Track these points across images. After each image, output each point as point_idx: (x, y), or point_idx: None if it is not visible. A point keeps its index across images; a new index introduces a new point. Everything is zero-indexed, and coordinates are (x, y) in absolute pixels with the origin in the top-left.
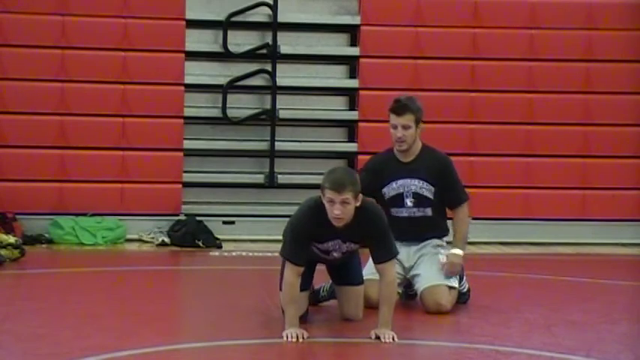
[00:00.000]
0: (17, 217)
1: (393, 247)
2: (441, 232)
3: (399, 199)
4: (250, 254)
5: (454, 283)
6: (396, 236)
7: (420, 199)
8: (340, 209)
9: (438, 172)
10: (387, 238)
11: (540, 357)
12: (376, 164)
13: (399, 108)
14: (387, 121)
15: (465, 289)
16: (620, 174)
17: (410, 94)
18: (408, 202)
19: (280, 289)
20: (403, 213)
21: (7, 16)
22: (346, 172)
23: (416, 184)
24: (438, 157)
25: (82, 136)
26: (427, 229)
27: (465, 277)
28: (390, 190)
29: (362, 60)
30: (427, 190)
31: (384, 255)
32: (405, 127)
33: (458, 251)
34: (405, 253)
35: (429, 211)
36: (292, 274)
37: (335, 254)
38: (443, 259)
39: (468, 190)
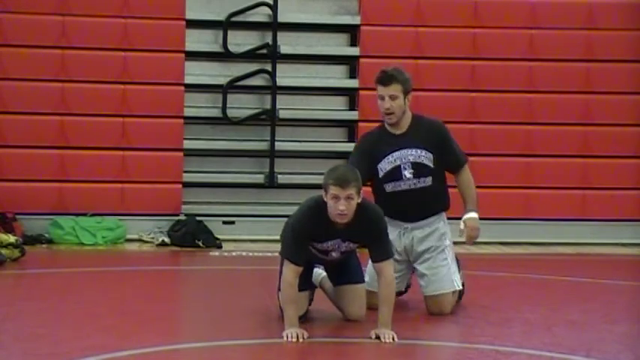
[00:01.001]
0: (17, 217)
1: (391, 246)
2: (443, 203)
3: (396, 172)
4: (250, 254)
5: (458, 284)
6: (398, 216)
7: (419, 169)
8: (345, 205)
9: (435, 138)
10: (385, 238)
11: (540, 357)
12: (367, 143)
13: (386, 78)
14: None
15: (460, 287)
16: (620, 174)
17: (399, 67)
18: (407, 173)
19: (279, 290)
20: (402, 186)
21: (7, 16)
22: (349, 169)
23: (413, 154)
24: (432, 122)
25: (82, 136)
26: (429, 200)
27: (461, 272)
28: (386, 164)
29: (362, 60)
30: (426, 157)
31: (382, 254)
32: (393, 98)
33: (473, 214)
34: (409, 238)
35: (429, 181)
36: (291, 274)
37: (334, 254)
38: (461, 225)
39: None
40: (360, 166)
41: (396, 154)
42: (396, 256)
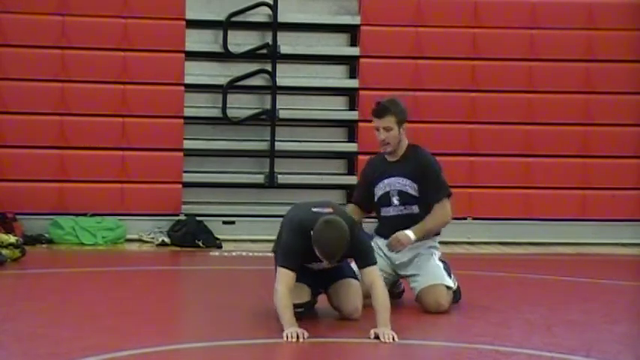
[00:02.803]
0: (17, 217)
1: (374, 257)
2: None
3: (386, 198)
4: (250, 254)
5: (450, 282)
6: (388, 235)
7: (405, 197)
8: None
9: (420, 171)
10: (369, 253)
11: (540, 357)
12: (368, 167)
13: (380, 111)
14: None
15: (454, 288)
16: (620, 174)
17: (399, 95)
18: (395, 200)
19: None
20: (391, 212)
21: (7, 16)
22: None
23: (400, 183)
24: (421, 156)
25: (82, 136)
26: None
27: (452, 276)
28: (378, 189)
29: (362, 60)
30: (411, 187)
31: (365, 261)
32: (387, 129)
33: (409, 232)
34: (397, 254)
35: (415, 209)
36: (283, 286)
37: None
38: (436, 258)
39: (469, 191)
40: (362, 190)
41: (387, 180)
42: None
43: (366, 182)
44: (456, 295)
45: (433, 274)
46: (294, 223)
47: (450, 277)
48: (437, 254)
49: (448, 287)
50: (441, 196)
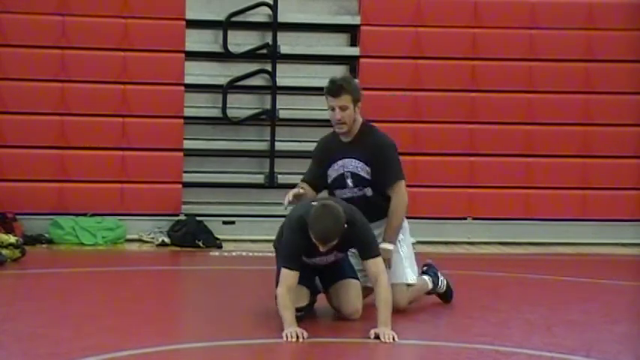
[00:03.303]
0: (17, 217)
1: (378, 248)
2: (383, 214)
3: (340, 180)
4: (250, 254)
5: (412, 280)
6: None
7: (357, 179)
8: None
9: (372, 153)
10: (372, 244)
11: (540, 357)
12: (320, 148)
13: (335, 90)
14: (387, 122)
15: (444, 289)
16: (620, 174)
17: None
18: (349, 182)
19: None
20: (346, 194)
21: (7, 16)
22: None
23: (353, 164)
24: (376, 138)
25: (82, 136)
26: (372, 209)
27: (440, 276)
28: (332, 171)
29: (362, 60)
30: (362, 169)
31: (368, 253)
32: (343, 109)
33: (387, 246)
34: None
35: (368, 191)
36: (285, 287)
37: (325, 260)
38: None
39: (469, 191)
40: (315, 170)
41: (340, 162)
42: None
43: (320, 162)
44: (447, 295)
45: (393, 272)
46: (293, 220)
47: (414, 268)
48: (404, 243)
49: (409, 285)
50: (393, 179)
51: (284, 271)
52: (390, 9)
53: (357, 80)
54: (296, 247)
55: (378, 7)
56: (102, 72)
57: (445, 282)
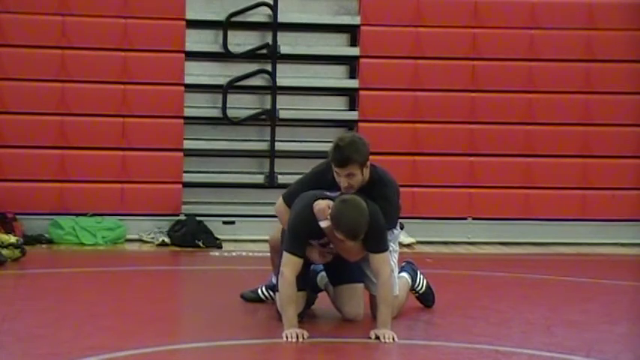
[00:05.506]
0: (17, 217)
1: (387, 243)
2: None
3: None
4: (250, 254)
5: (396, 291)
6: None
7: None
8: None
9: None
10: (382, 235)
11: (540, 357)
12: (318, 183)
13: (342, 160)
14: (388, 121)
15: (423, 289)
16: (620, 174)
17: (354, 137)
18: None
19: (276, 291)
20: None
21: (7, 16)
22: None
23: None
24: (379, 188)
25: (82, 136)
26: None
27: (420, 275)
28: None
29: (362, 60)
30: None
31: (376, 246)
32: (350, 176)
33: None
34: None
35: None
36: (291, 272)
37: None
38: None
39: (469, 191)
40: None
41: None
42: None
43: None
44: (427, 297)
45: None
46: (297, 204)
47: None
48: (395, 253)
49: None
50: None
51: (288, 256)
52: (390, 9)
53: (364, 140)
54: (300, 226)
55: (378, 7)
56: (102, 72)
57: (425, 282)
